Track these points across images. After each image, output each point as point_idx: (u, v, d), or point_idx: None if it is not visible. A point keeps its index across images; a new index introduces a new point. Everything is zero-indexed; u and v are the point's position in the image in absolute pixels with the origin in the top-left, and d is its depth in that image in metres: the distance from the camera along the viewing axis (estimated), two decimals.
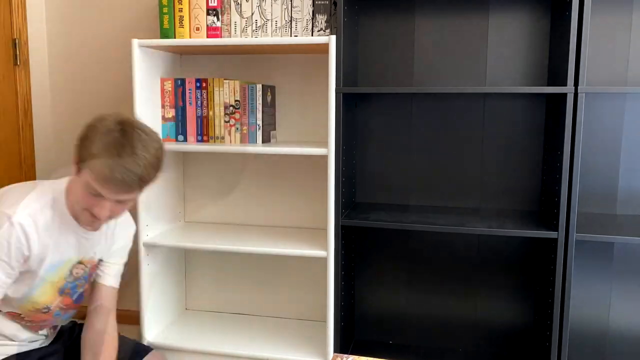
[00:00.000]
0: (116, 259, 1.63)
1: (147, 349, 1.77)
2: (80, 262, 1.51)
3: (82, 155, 1.31)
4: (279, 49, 2.05)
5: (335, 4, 1.91)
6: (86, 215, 1.37)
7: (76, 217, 1.42)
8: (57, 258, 1.44)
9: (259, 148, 1.99)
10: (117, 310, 2.65)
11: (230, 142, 2.12)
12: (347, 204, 2.05)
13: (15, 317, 1.48)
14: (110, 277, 1.63)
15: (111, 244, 1.59)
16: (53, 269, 1.45)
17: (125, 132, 1.29)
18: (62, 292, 1.51)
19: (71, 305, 1.56)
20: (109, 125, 1.30)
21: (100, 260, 1.58)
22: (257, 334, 2.22)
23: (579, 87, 1.72)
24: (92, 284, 1.61)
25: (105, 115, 1.34)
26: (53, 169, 2.61)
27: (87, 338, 1.58)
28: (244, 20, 2.03)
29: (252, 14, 2.01)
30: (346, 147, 2.00)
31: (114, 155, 1.26)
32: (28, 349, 1.53)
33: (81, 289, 1.55)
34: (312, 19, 1.97)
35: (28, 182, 1.46)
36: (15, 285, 1.40)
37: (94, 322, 1.59)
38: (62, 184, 1.44)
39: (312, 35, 1.97)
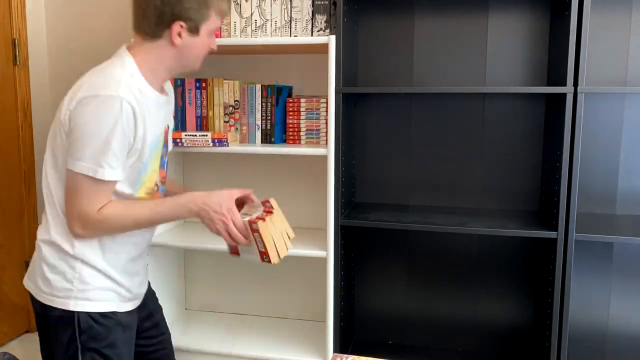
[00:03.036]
0: (172, 123, 1.64)
1: None
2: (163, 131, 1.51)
3: (199, 15, 1.37)
4: (279, 49, 2.05)
5: (335, 4, 1.91)
6: (200, 61, 1.46)
7: (155, 82, 1.42)
8: (154, 132, 1.42)
9: (258, 148, 1.99)
10: None
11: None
12: (346, 204, 2.05)
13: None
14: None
15: (171, 105, 1.60)
16: (154, 145, 1.43)
17: None
18: (162, 165, 1.51)
19: (165, 177, 1.56)
20: None
21: (167, 125, 1.56)
22: (257, 334, 2.22)
23: (578, 87, 1.72)
24: None
25: None
26: None
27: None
28: (243, 20, 2.03)
29: (252, 14, 2.01)
30: (346, 147, 2.00)
31: None
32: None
33: (166, 157, 1.55)
34: (312, 19, 1.97)
35: (100, 66, 1.40)
36: (126, 175, 1.37)
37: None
38: (127, 60, 1.39)
39: (311, 35, 1.97)
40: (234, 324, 2.32)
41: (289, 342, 2.15)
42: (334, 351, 1.99)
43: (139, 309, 1.52)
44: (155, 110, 1.41)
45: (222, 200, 1.39)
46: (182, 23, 1.36)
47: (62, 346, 1.36)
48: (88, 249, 1.36)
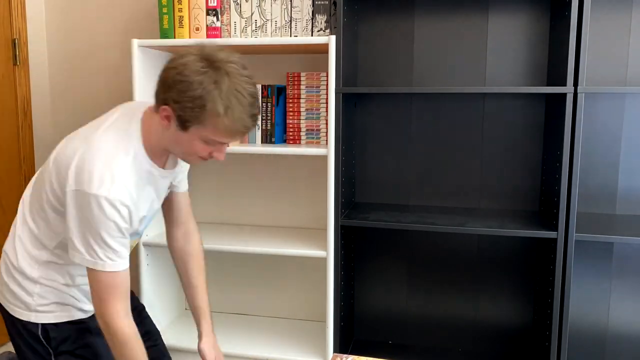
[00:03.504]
0: (184, 173, 1.60)
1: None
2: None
3: (187, 115, 1.24)
4: (279, 49, 2.05)
5: (335, 4, 1.91)
6: (195, 159, 1.35)
7: (156, 158, 1.37)
8: (149, 208, 1.42)
9: (258, 148, 1.99)
10: None
11: None
12: (346, 204, 2.05)
13: None
14: (183, 184, 1.61)
15: (180, 168, 1.56)
16: (148, 219, 1.45)
17: (221, 79, 1.22)
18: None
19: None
20: (201, 79, 1.21)
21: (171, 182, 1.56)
22: (257, 334, 2.22)
23: (578, 87, 1.72)
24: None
25: (183, 63, 1.23)
26: None
27: (177, 249, 1.68)
28: (243, 21, 2.03)
29: (252, 14, 2.01)
30: (346, 147, 2.00)
31: (231, 109, 1.22)
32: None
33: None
34: (312, 19, 1.97)
35: (108, 136, 1.31)
36: None
37: (176, 231, 1.66)
38: (134, 132, 1.33)
39: (311, 35, 1.97)
40: (234, 324, 2.32)
41: (289, 342, 2.15)
42: (334, 351, 1.99)
43: None
44: (154, 182, 1.40)
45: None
46: (169, 109, 1.25)
47: (35, 353, 1.40)
48: (50, 272, 1.40)
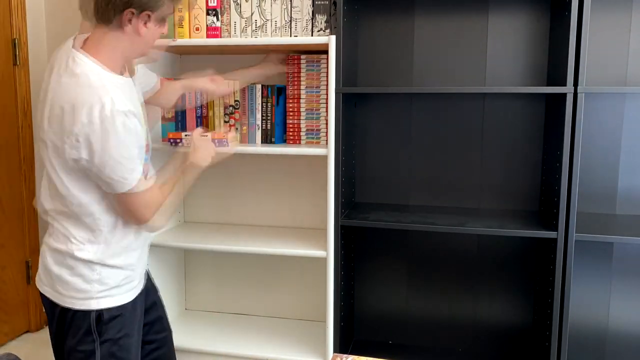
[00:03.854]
0: (140, 72, 1.66)
1: None
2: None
3: (152, 3, 1.36)
4: (279, 49, 2.05)
5: (335, 4, 1.91)
6: (152, 48, 1.46)
7: (114, 68, 1.42)
8: (140, 113, 1.44)
9: (258, 148, 1.99)
10: None
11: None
12: (346, 204, 2.05)
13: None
14: (151, 76, 1.72)
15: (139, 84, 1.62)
16: (143, 123, 1.47)
17: None
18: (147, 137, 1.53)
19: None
20: None
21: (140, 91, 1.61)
22: (257, 334, 2.22)
23: (578, 87, 1.72)
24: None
25: None
26: None
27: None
28: (243, 21, 2.03)
29: (252, 14, 2.01)
30: (346, 147, 2.00)
31: None
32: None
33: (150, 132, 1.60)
34: (312, 19, 1.97)
35: (71, 78, 1.36)
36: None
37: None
38: (84, 63, 1.37)
39: (311, 35, 1.97)
40: (234, 324, 2.32)
41: (289, 342, 2.15)
42: (334, 351, 1.99)
43: (144, 297, 1.57)
44: (129, 90, 1.43)
45: (204, 155, 1.58)
46: (133, 10, 1.34)
47: (79, 341, 1.40)
48: (99, 252, 1.41)
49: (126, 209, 1.40)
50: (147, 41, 1.42)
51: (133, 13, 1.35)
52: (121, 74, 1.42)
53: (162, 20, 1.42)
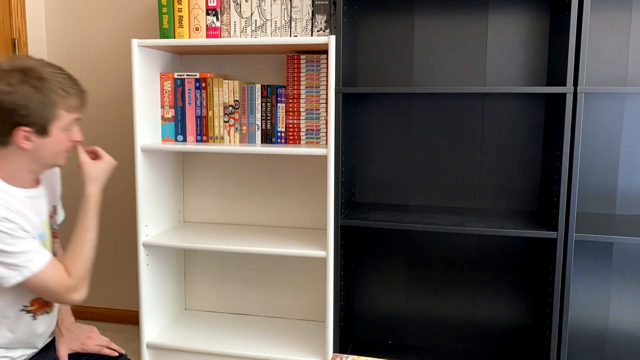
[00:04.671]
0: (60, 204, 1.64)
1: None
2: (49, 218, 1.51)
3: (44, 118, 1.32)
4: (279, 49, 2.05)
5: (334, 4, 1.91)
6: (63, 155, 1.42)
7: (19, 183, 1.40)
8: (36, 227, 1.42)
9: (258, 148, 1.99)
10: (117, 310, 2.65)
11: (230, 142, 2.12)
12: (346, 204, 2.05)
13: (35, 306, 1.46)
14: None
15: (56, 187, 1.60)
16: (41, 236, 1.44)
17: (40, 75, 1.33)
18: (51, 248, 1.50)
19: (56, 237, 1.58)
20: (28, 85, 1.31)
21: (54, 206, 1.57)
22: (257, 334, 2.22)
23: (578, 87, 1.72)
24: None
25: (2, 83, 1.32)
26: None
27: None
28: (243, 21, 2.03)
29: (252, 14, 2.01)
30: (346, 147, 2.00)
31: (66, 88, 1.36)
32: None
33: (56, 238, 1.56)
34: (312, 19, 1.97)
35: None
36: None
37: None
38: None
39: (311, 35, 1.97)
40: (233, 324, 2.32)
41: (289, 342, 2.15)
42: (334, 351, 1.99)
43: None
44: (31, 203, 1.40)
45: (95, 172, 1.51)
46: (25, 128, 1.31)
47: None
48: None
49: (37, 292, 1.37)
50: (54, 152, 1.38)
51: (27, 131, 1.31)
52: (31, 185, 1.41)
53: (65, 129, 1.37)
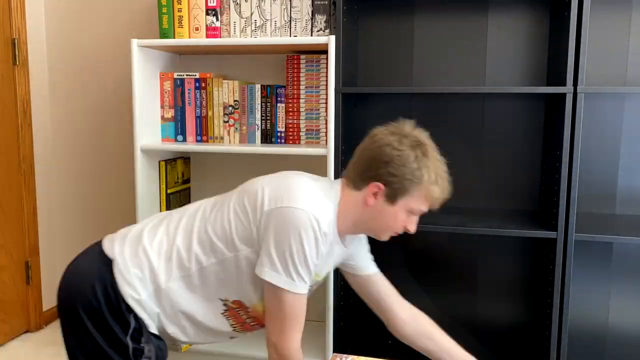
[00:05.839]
0: (361, 254, 1.62)
1: None
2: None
3: (403, 187, 1.33)
4: (278, 49, 2.05)
5: (334, 4, 1.91)
6: (390, 233, 1.41)
7: (339, 231, 1.40)
8: (321, 269, 1.43)
9: (258, 148, 1.99)
10: None
11: (230, 142, 2.12)
12: None
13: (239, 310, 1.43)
14: (369, 264, 1.63)
15: (354, 248, 1.59)
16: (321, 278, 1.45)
17: (430, 149, 1.36)
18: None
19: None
20: (415, 153, 1.33)
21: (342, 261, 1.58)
22: (257, 333, 2.21)
23: (578, 87, 1.72)
24: (360, 281, 1.63)
25: (396, 139, 1.34)
26: (52, 168, 2.61)
27: (409, 333, 1.61)
28: (243, 21, 2.03)
29: (252, 14, 2.01)
30: (346, 147, 2.00)
31: (440, 178, 1.35)
32: None
33: None
34: (312, 19, 1.97)
35: (310, 183, 1.36)
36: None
37: (398, 316, 1.61)
38: (334, 196, 1.38)
39: (311, 35, 1.97)
40: None
41: None
42: (334, 351, 1.99)
43: None
44: (330, 247, 1.40)
45: None
46: (381, 185, 1.33)
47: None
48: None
49: (271, 312, 1.33)
50: (386, 222, 1.38)
51: (380, 189, 1.34)
52: (340, 237, 1.41)
53: (409, 211, 1.37)
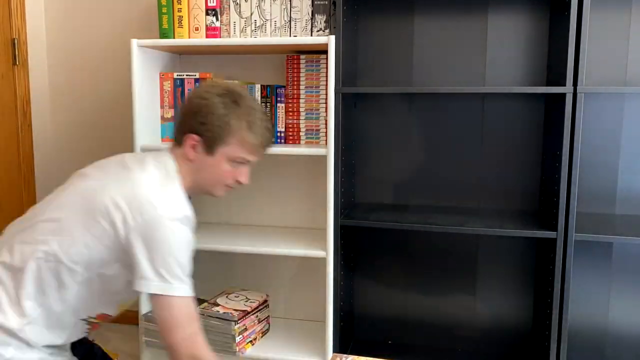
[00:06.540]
0: None
1: None
2: None
3: (214, 135, 1.33)
4: (278, 49, 2.05)
5: (334, 4, 1.91)
6: (222, 187, 1.44)
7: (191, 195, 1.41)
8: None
9: None
10: None
11: None
12: (346, 204, 2.05)
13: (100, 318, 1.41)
14: None
15: None
16: None
17: (241, 98, 1.36)
18: None
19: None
20: (222, 100, 1.34)
21: None
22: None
23: (577, 87, 1.72)
24: None
25: (204, 90, 1.36)
26: (52, 169, 2.61)
27: None
28: (243, 21, 2.03)
29: (251, 14, 2.01)
30: (346, 147, 2.00)
31: (254, 124, 1.35)
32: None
33: None
34: (312, 19, 1.97)
35: (151, 173, 1.33)
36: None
37: None
38: (172, 171, 1.36)
39: (311, 35, 1.97)
40: None
41: (288, 342, 2.15)
42: (334, 351, 1.99)
43: None
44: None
45: None
46: (195, 137, 1.33)
47: None
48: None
49: (165, 320, 1.30)
50: (212, 176, 1.41)
51: (196, 141, 1.35)
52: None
53: (232, 161, 1.39)
